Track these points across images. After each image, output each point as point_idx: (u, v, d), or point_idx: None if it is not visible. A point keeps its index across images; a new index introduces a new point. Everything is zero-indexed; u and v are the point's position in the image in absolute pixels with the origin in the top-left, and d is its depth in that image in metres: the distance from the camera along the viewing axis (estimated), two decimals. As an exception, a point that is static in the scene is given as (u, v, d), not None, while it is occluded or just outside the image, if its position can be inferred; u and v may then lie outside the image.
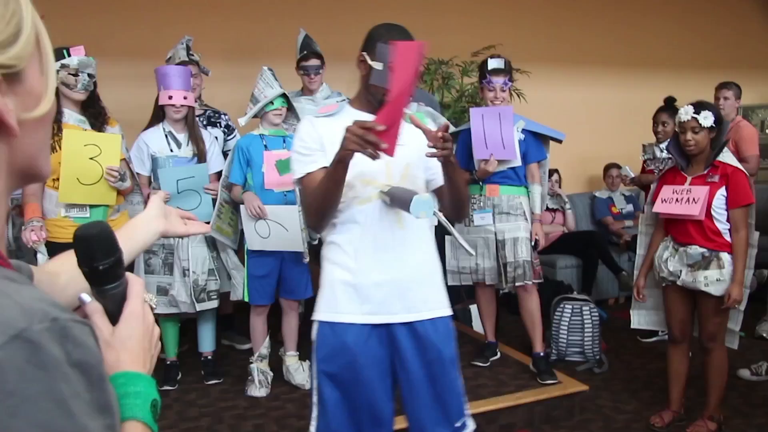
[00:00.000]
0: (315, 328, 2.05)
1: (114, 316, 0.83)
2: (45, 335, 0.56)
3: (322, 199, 1.91)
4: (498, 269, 3.73)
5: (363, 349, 2.00)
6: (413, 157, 2.01)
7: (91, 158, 2.91)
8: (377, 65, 1.94)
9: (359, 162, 1.84)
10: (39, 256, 2.90)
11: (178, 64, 3.69)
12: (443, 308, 2.10)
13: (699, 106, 3.07)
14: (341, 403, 2.01)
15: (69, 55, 2.94)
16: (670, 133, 4.39)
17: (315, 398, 2.05)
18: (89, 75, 2.97)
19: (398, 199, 1.90)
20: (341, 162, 1.79)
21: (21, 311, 0.57)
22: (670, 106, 4.51)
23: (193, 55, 3.67)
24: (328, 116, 2.03)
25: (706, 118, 3.04)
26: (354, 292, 1.99)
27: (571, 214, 5.67)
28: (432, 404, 2.07)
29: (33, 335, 0.56)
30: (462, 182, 2.05)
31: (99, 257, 0.81)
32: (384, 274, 1.98)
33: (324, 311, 2.03)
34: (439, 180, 2.06)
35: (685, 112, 3.07)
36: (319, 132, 1.98)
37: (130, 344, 0.82)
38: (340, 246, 2.01)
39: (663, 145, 4.41)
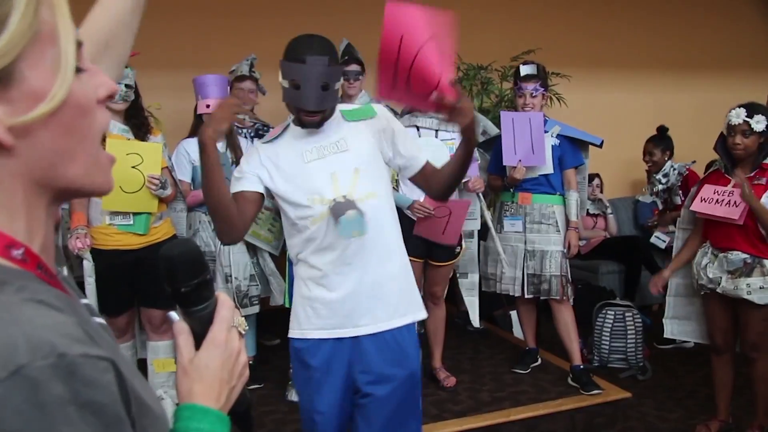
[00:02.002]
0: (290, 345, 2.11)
1: (201, 339, 0.79)
2: (47, 372, 0.52)
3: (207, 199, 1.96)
4: (522, 280, 3.68)
5: (324, 366, 2.02)
6: (362, 160, 1.98)
7: (133, 167, 2.97)
8: (284, 83, 1.93)
9: (303, 181, 1.92)
10: (84, 263, 2.97)
11: (238, 77, 3.79)
12: (412, 313, 2.07)
13: (751, 110, 2.97)
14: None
15: None
16: (659, 164, 4.49)
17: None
18: (127, 85, 3.04)
19: (336, 217, 1.89)
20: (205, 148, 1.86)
21: (26, 344, 0.53)
22: (663, 135, 4.56)
23: (254, 72, 3.79)
24: (271, 141, 2.03)
25: (759, 123, 2.94)
26: (322, 307, 2.00)
27: (613, 218, 5.57)
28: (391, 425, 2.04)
29: (33, 372, 0.52)
30: (466, 161, 2.00)
31: (182, 278, 0.77)
32: (349, 287, 1.97)
33: (294, 328, 2.08)
34: (418, 164, 2.05)
35: (736, 115, 2.97)
36: (262, 155, 2.00)
37: (206, 374, 0.77)
38: (306, 263, 2.03)
39: (659, 176, 4.51)
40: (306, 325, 2.03)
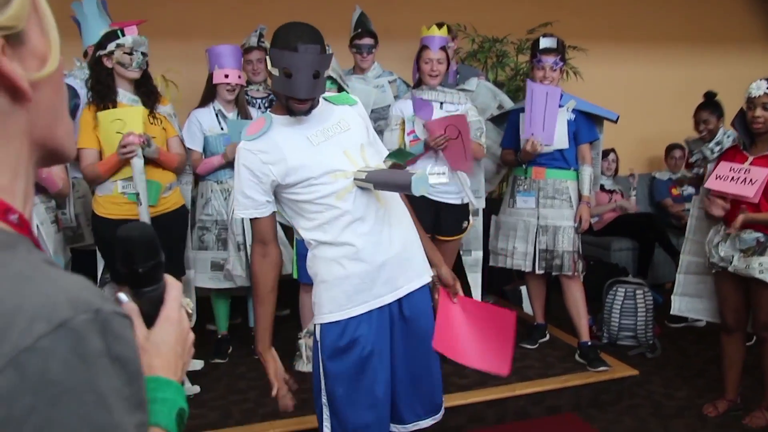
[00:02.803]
0: (319, 330, 2.05)
1: (149, 319, 0.82)
2: (89, 326, 0.55)
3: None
4: (534, 255, 3.66)
5: (373, 338, 2.02)
6: (363, 137, 2.07)
7: (118, 132, 2.97)
8: (274, 71, 1.93)
9: (320, 161, 1.94)
10: (135, 160, 2.94)
11: (246, 49, 3.80)
12: (429, 271, 2.17)
13: None
14: (351, 398, 2.04)
15: (123, 35, 3.00)
16: (715, 132, 4.30)
17: (324, 399, 2.07)
18: (143, 53, 3.04)
19: (386, 182, 1.93)
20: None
21: (67, 299, 0.55)
22: (710, 101, 4.35)
23: (263, 42, 3.80)
24: (261, 136, 1.99)
25: None
26: (361, 282, 2.00)
27: (634, 200, 5.52)
28: (419, 383, 2.15)
29: (78, 325, 0.54)
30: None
31: (139, 260, 0.80)
32: (385, 254, 2.01)
33: (334, 311, 2.02)
34: (383, 152, 2.20)
35: (757, 87, 2.93)
36: (256, 165, 1.97)
37: (164, 349, 0.81)
38: (333, 244, 2.00)
39: (712, 144, 4.30)
40: (348, 303, 2.00)
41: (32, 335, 0.52)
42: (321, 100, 2.05)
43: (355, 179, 1.96)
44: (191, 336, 0.87)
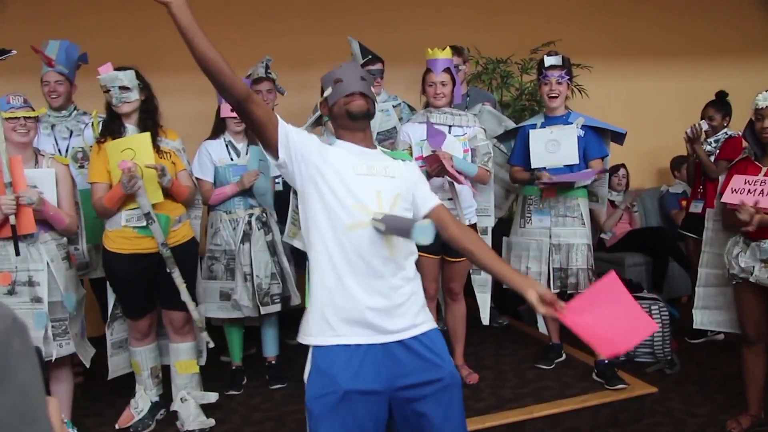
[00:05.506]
0: (310, 356, 1.95)
1: None
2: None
3: None
4: (548, 274, 3.63)
5: (356, 375, 1.89)
6: (403, 189, 2.05)
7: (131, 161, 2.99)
8: (327, 92, 2.05)
9: (355, 188, 1.93)
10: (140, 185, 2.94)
11: (255, 79, 3.84)
12: (431, 321, 2.06)
13: None
14: None
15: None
16: (717, 129, 4.43)
17: None
18: (120, 88, 3.06)
19: (395, 227, 1.86)
20: None
21: None
22: (721, 100, 4.46)
23: (270, 73, 3.84)
24: (325, 145, 2.05)
25: None
26: (348, 315, 1.91)
27: (638, 216, 5.52)
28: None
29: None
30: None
31: None
32: (377, 301, 1.92)
33: (316, 334, 1.94)
34: (429, 205, 2.10)
35: (764, 98, 2.93)
36: (318, 145, 2.00)
37: None
38: (332, 267, 1.93)
39: (711, 139, 4.43)
40: (335, 329, 1.91)
41: None
42: (379, 149, 2.11)
43: (372, 219, 1.90)
44: None
